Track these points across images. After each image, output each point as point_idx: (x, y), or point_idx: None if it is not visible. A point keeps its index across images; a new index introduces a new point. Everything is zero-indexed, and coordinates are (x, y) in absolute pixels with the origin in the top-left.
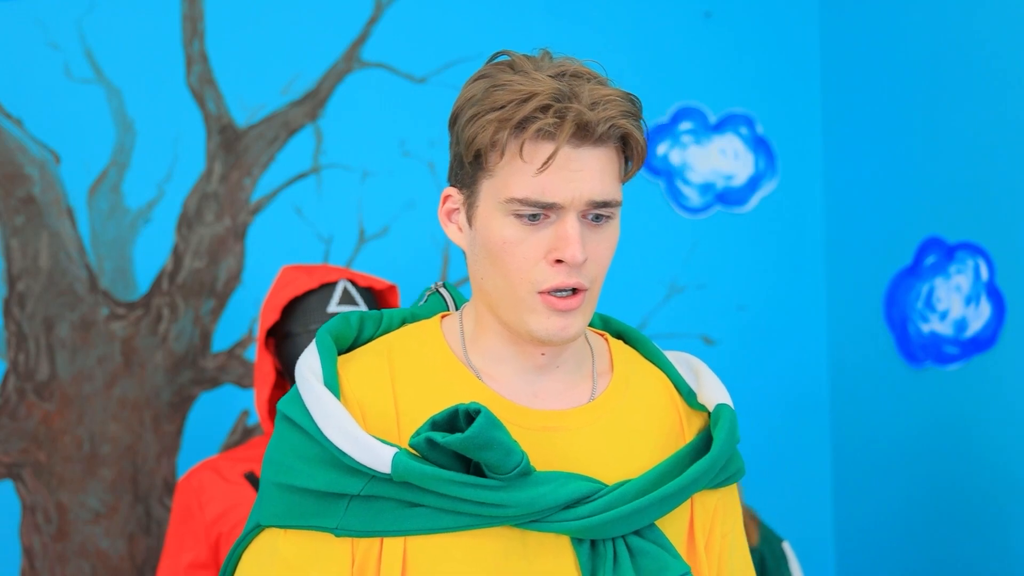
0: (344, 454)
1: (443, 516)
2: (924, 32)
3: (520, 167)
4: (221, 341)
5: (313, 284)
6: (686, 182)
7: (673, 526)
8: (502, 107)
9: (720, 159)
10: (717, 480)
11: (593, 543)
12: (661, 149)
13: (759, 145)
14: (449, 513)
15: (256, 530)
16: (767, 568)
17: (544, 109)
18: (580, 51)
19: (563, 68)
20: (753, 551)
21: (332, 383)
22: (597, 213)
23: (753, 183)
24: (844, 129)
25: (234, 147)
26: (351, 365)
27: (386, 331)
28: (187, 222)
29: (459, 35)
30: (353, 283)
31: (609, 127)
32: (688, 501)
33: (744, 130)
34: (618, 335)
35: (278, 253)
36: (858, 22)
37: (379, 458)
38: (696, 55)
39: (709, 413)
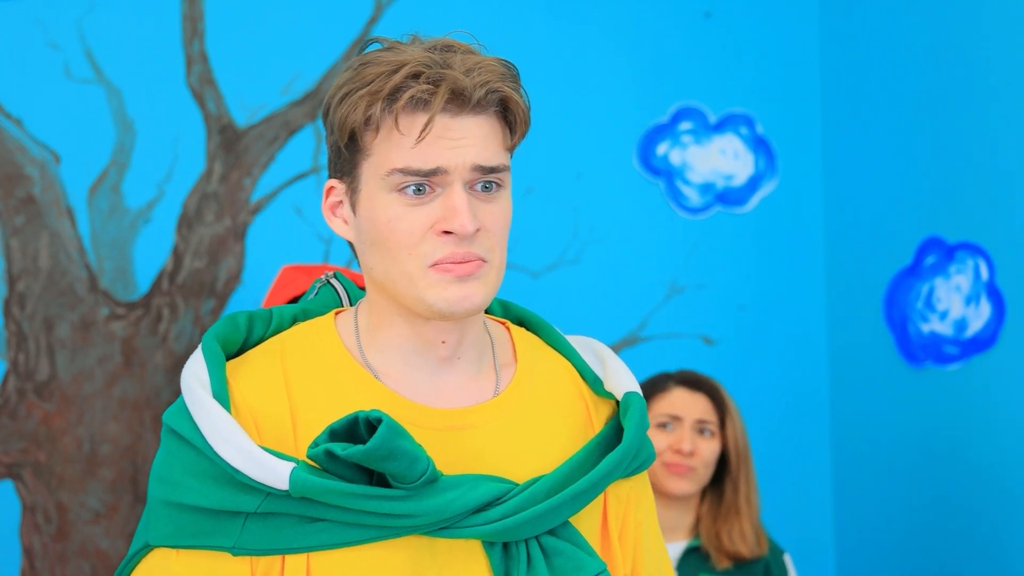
0: (237, 471)
1: (347, 530)
2: (924, 32)
3: (398, 140)
4: None
5: None
6: (686, 182)
7: (587, 520)
8: (371, 81)
9: (720, 159)
10: (629, 469)
11: (505, 545)
12: (661, 149)
13: (759, 145)
14: (354, 526)
15: (144, 550)
16: None
17: (415, 76)
18: (580, 51)
19: (434, 43)
20: (760, 561)
21: (221, 393)
22: (486, 181)
23: (753, 183)
24: (844, 129)
25: (234, 147)
26: (242, 371)
27: (277, 330)
28: (187, 222)
29: (459, 36)
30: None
31: (486, 92)
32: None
33: (744, 130)
34: (519, 321)
35: (278, 253)
36: (858, 22)
37: (275, 474)
38: (696, 55)
39: (617, 401)
